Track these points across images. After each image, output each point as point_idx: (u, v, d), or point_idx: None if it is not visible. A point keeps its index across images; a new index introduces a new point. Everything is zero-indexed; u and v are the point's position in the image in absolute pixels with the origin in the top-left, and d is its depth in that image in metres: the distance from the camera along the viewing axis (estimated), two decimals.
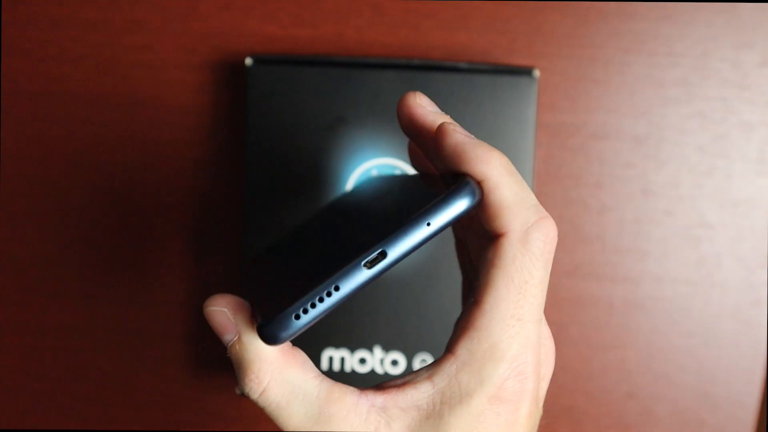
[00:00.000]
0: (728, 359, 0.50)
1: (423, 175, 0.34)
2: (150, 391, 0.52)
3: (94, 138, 0.50)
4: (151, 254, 0.51)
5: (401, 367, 0.47)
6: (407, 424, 0.28)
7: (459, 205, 0.27)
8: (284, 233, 0.40)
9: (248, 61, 0.46)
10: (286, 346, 0.29)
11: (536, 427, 0.29)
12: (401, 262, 0.27)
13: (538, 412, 0.29)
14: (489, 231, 0.28)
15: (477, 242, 0.31)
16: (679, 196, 0.49)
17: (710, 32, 0.48)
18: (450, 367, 0.28)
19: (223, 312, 0.29)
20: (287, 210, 0.47)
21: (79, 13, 0.49)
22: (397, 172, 0.47)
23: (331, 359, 0.47)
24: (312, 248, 0.33)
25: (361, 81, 0.46)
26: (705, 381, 0.50)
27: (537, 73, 0.46)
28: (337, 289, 0.26)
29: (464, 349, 0.28)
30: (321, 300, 0.26)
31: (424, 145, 0.31)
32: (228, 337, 0.29)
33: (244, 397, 0.29)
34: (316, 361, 0.47)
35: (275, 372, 0.28)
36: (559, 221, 0.50)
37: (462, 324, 0.28)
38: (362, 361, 0.47)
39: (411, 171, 0.47)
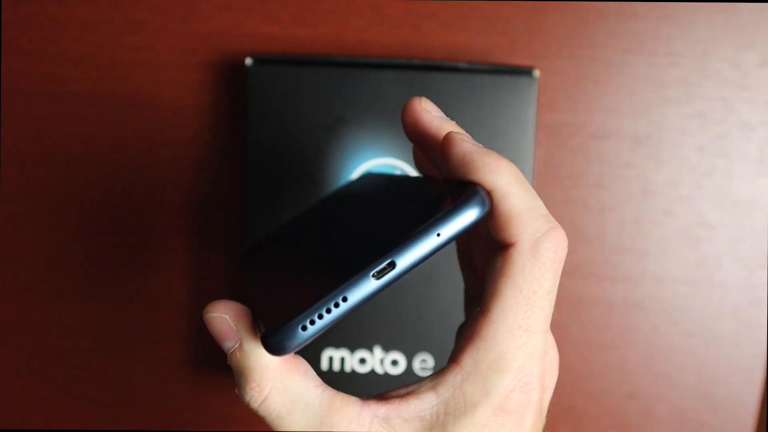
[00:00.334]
0: (728, 359, 0.50)
1: (427, 179, 0.34)
2: (150, 391, 0.52)
3: (94, 138, 0.50)
4: (151, 254, 0.51)
5: (401, 367, 0.47)
6: None
7: (469, 215, 0.26)
8: (278, 228, 0.39)
9: (248, 61, 0.46)
10: (287, 355, 0.29)
11: None
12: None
13: (542, 422, 0.29)
14: (498, 240, 0.28)
15: (484, 250, 0.31)
16: (679, 196, 0.49)
17: (710, 32, 0.48)
18: (455, 377, 0.28)
19: (224, 318, 0.29)
20: (287, 210, 0.47)
21: (79, 13, 0.49)
22: (398, 171, 0.47)
23: (331, 359, 0.47)
24: (313, 250, 0.32)
25: (361, 81, 0.46)
26: (705, 381, 0.50)
27: (537, 73, 0.46)
28: (345, 299, 0.25)
29: (470, 359, 0.27)
30: (328, 311, 0.25)
31: (428, 150, 0.31)
32: (228, 344, 0.28)
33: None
34: (316, 361, 0.47)
35: (277, 381, 0.28)
36: (559, 221, 0.49)
37: (467, 333, 0.28)
38: (362, 361, 0.47)
39: (410, 171, 0.47)
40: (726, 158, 0.49)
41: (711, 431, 0.50)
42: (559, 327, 0.50)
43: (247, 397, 0.28)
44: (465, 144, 0.28)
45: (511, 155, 0.46)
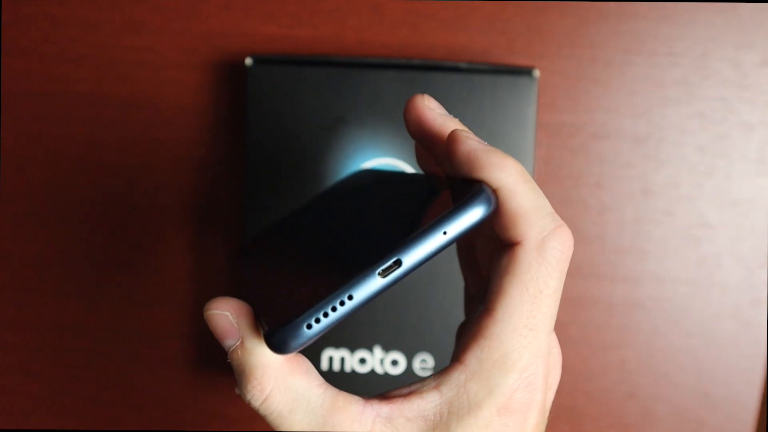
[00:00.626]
0: (728, 359, 0.50)
1: (426, 176, 0.34)
2: (150, 391, 0.52)
3: (94, 138, 0.50)
4: (151, 254, 0.51)
5: (401, 367, 0.47)
6: None
7: (475, 213, 0.26)
8: (276, 223, 0.39)
9: (248, 61, 0.46)
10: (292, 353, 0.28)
11: None
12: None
13: (544, 422, 0.29)
14: (504, 239, 0.28)
15: (488, 249, 0.31)
16: (679, 196, 0.49)
17: (710, 32, 0.48)
18: (459, 376, 0.27)
19: (225, 315, 0.28)
20: (287, 210, 0.47)
21: (79, 13, 0.49)
22: (402, 167, 0.47)
23: (331, 359, 0.47)
24: (315, 247, 0.32)
25: (361, 81, 0.46)
26: (705, 381, 0.50)
27: (537, 73, 0.46)
28: (350, 298, 0.25)
29: (474, 357, 0.27)
30: (334, 309, 0.25)
31: (431, 147, 0.30)
32: (230, 342, 0.28)
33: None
34: (316, 362, 0.47)
35: (278, 379, 0.27)
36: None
37: (471, 332, 0.28)
38: (362, 361, 0.47)
39: (409, 170, 0.47)
40: (726, 158, 0.49)
41: (711, 431, 0.50)
42: (559, 327, 0.50)
43: (249, 396, 0.28)
44: (470, 142, 0.28)
45: (511, 155, 0.46)
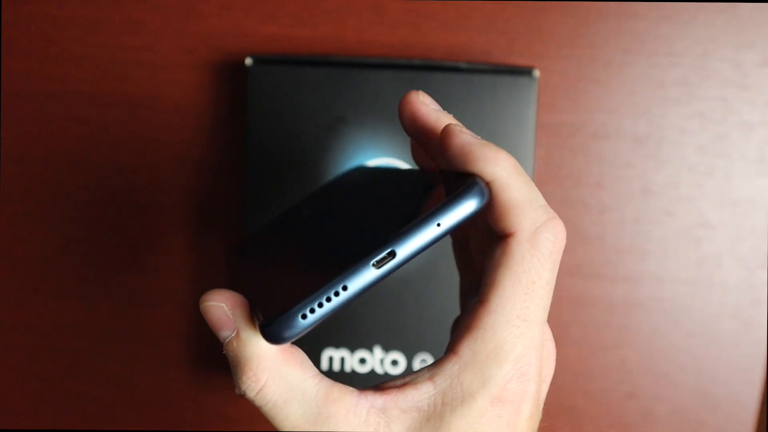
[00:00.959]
0: (728, 359, 0.50)
1: (421, 171, 0.34)
2: (150, 391, 0.52)
3: (94, 138, 0.50)
4: (151, 254, 0.51)
5: (401, 367, 0.47)
6: (407, 426, 0.27)
7: (468, 206, 0.26)
8: (272, 219, 0.39)
9: (248, 61, 0.46)
10: (285, 344, 0.29)
11: (536, 430, 0.29)
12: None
13: (539, 414, 0.29)
14: (497, 231, 0.28)
15: (481, 241, 0.31)
16: (679, 196, 0.49)
17: (710, 32, 0.48)
18: (452, 367, 0.28)
19: (221, 307, 0.28)
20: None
21: (79, 13, 0.49)
22: (400, 166, 0.47)
23: (331, 359, 0.47)
24: (310, 240, 0.32)
25: (361, 81, 0.46)
26: (705, 381, 0.50)
27: (537, 73, 0.46)
28: (345, 288, 0.25)
29: (467, 348, 0.27)
30: (328, 299, 0.25)
31: (426, 143, 0.31)
32: (225, 333, 0.28)
33: (244, 397, 0.29)
34: (316, 361, 0.47)
35: (273, 370, 0.28)
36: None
37: (465, 323, 0.28)
38: (362, 361, 0.47)
39: (405, 167, 0.47)
40: (726, 158, 0.49)
41: (711, 431, 0.50)
42: (559, 327, 0.50)
43: (244, 387, 0.28)
44: (463, 135, 0.28)
45: (512, 155, 0.46)
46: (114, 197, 0.50)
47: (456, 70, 0.46)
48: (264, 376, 0.28)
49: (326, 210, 0.36)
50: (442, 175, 0.30)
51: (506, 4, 0.48)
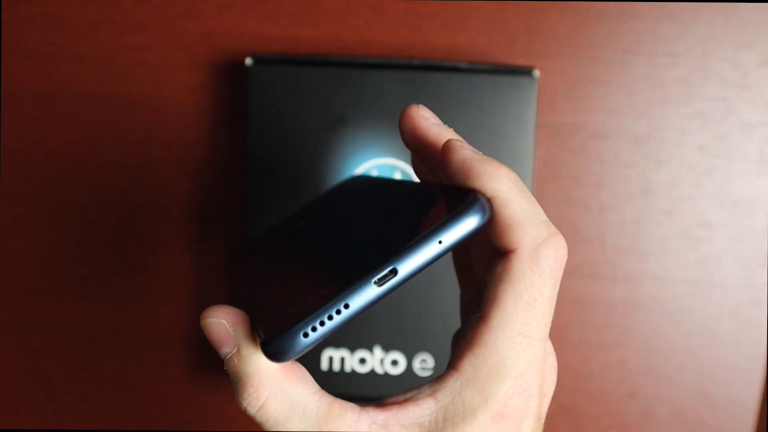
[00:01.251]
0: (728, 359, 0.50)
1: (424, 184, 0.34)
2: (150, 391, 0.52)
3: (94, 138, 0.50)
4: (151, 254, 0.51)
5: (401, 367, 0.47)
6: None
7: (470, 222, 0.26)
8: (270, 229, 0.39)
9: (248, 61, 0.46)
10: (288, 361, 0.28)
11: None
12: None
13: (540, 429, 0.29)
14: (498, 247, 0.28)
15: (482, 256, 0.31)
16: (679, 196, 0.49)
17: (710, 32, 0.48)
18: (454, 383, 0.28)
19: (222, 324, 0.29)
20: (287, 210, 0.47)
21: (79, 13, 0.49)
22: (397, 174, 0.47)
23: (331, 359, 0.47)
24: (310, 254, 0.32)
25: (361, 81, 0.46)
26: (705, 381, 0.50)
27: (537, 73, 0.46)
28: (346, 306, 0.25)
29: (469, 365, 0.27)
30: (330, 318, 0.25)
31: (426, 157, 0.31)
32: (226, 349, 0.28)
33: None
34: (316, 361, 0.47)
35: (274, 387, 0.28)
36: (559, 221, 0.50)
37: (466, 340, 0.28)
38: (362, 361, 0.47)
39: (408, 170, 0.47)
40: (726, 158, 0.49)
41: (711, 431, 0.50)
42: (559, 327, 0.50)
43: (245, 403, 0.28)
44: (464, 151, 0.28)
45: (511, 155, 0.46)
46: (114, 197, 0.50)
47: (456, 70, 0.46)
48: (265, 393, 0.28)
49: (325, 220, 0.36)
50: (442, 189, 0.30)
51: (506, 4, 0.48)
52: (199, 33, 0.49)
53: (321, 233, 0.34)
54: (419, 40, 0.49)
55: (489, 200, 0.27)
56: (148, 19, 0.49)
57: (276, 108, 0.46)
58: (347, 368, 0.47)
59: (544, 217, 0.28)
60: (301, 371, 0.29)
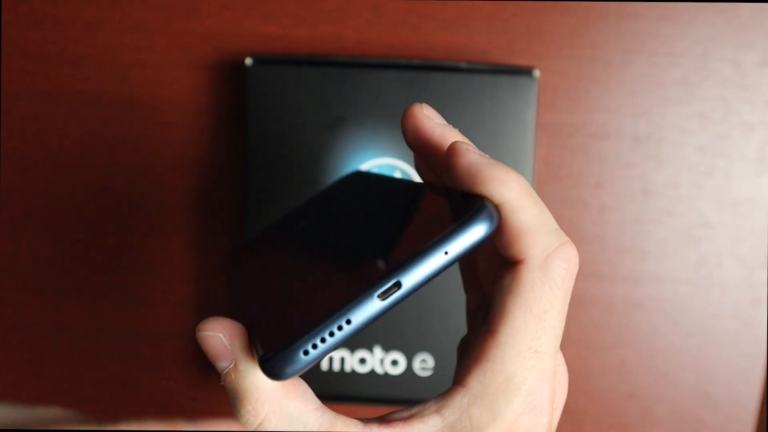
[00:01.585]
0: (728, 359, 0.50)
1: (428, 185, 0.33)
2: (150, 391, 0.52)
3: (94, 138, 0.50)
4: (151, 254, 0.51)
5: (401, 367, 0.47)
6: None
7: (477, 232, 0.25)
8: (267, 230, 0.38)
9: (248, 61, 0.46)
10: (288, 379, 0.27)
11: None
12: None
13: None
14: (506, 256, 0.27)
15: (490, 265, 0.30)
16: (679, 196, 0.49)
17: (710, 32, 0.48)
18: (461, 399, 0.27)
19: (218, 337, 0.27)
20: (287, 210, 0.47)
21: (79, 13, 0.49)
22: (397, 175, 0.47)
23: (331, 359, 0.47)
24: (310, 258, 0.31)
25: (361, 81, 0.46)
26: (705, 381, 0.50)
27: (537, 73, 0.46)
28: (348, 322, 0.24)
29: (476, 381, 0.26)
30: (331, 334, 0.24)
31: (430, 158, 0.30)
32: (223, 364, 0.27)
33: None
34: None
35: (274, 403, 0.26)
36: (559, 221, 0.50)
37: (474, 353, 0.27)
38: (362, 361, 0.47)
39: (409, 171, 0.47)
40: (726, 158, 0.49)
41: (711, 431, 0.50)
42: None
43: (243, 420, 0.27)
44: (471, 155, 0.27)
45: (511, 155, 0.46)
46: (114, 197, 0.50)
47: (456, 70, 0.46)
48: (264, 410, 0.27)
49: (325, 221, 0.35)
50: (447, 192, 0.29)
51: (506, 4, 0.48)
52: (199, 33, 0.49)
53: (321, 236, 0.33)
54: (419, 40, 0.49)
55: (497, 207, 0.26)
56: (148, 19, 0.49)
57: (276, 108, 0.46)
58: (347, 368, 0.47)
59: (555, 224, 0.27)
60: (302, 386, 0.27)
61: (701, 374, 0.50)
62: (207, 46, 0.49)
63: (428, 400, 0.27)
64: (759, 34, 0.48)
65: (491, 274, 0.29)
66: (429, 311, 0.47)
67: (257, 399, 0.26)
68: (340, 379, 0.47)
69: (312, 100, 0.46)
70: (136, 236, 0.50)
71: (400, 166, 0.47)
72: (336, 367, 0.47)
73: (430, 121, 0.29)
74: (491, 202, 0.26)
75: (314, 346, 0.24)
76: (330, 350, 0.24)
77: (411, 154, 0.46)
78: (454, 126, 0.30)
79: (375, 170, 0.47)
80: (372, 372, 0.47)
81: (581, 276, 0.50)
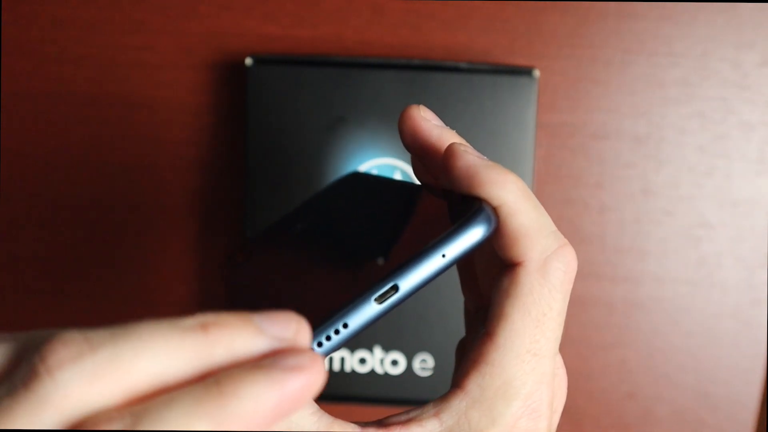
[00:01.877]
0: (728, 359, 0.50)
1: (425, 186, 0.32)
2: None
3: (94, 138, 0.50)
4: (151, 254, 0.51)
5: (401, 367, 0.47)
6: None
7: (474, 234, 0.25)
8: (266, 231, 0.38)
9: (248, 61, 0.46)
10: None
11: None
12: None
13: None
14: (504, 259, 0.27)
15: (488, 267, 0.30)
16: (679, 196, 0.49)
17: (710, 32, 0.48)
18: (459, 403, 0.26)
19: None
20: (287, 210, 0.47)
21: (79, 13, 0.49)
22: (397, 175, 0.47)
23: (331, 359, 0.47)
24: (307, 262, 0.31)
25: (361, 81, 0.46)
26: (705, 381, 0.50)
27: (537, 73, 0.46)
28: (345, 326, 0.24)
29: (475, 384, 0.26)
30: (328, 338, 0.24)
31: (427, 160, 0.29)
32: None
33: None
34: None
35: None
36: (559, 221, 0.50)
37: (472, 357, 0.27)
38: (362, 361, 0.47)
39: (409, 171, 0.47)
40: (726, 158, 0.49)
41: (711, 431, 0.50)
42: None
43: None
44: (469, 156, 0.27)
45: (511, 155, 0.46)
46: (114, 197, 0.50)
47: (456, 70, 0.46)
48: None
49: (323, 224, 0.35)
50: (444, 193, 0.29)
51: (506, 4, 0.48)
52: (199, 33, 0.49)
53: (319, 237, 0.33)
54: (419, 40, 0.49)
55: (495, 210, 0.26)
56: (148, 19, 0.49)
57: (276, 108, 0.46)
58: (347, 368, 0.47)
59: (553, 227, 0.27)
60: None
61: (701, 374, 0.50)
62: (207, 46, 0.49)
63: (426, 404, 0.27)
64: (759, 34, 0.48)
65: (489, 276, 0.29)
66: (429, 311, 0.47)
67: None
68: (340, 379, 0.47)
69: (312, 100, 0.46)
70: (135, 236, 0.50)
71: (399, 166, 0.47)
72: (336, 367, 0.47)
73: (428, 122, 0.29)
74: (489, 204, 0.26)
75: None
76: (327, 353, 0.24)
77: (411, 156, 0.46)
78: (455, 125, 0.30)
79: (373, 171, 0.47)
80: (372, 372, 0.47)
81: (581, 276, 0.50)
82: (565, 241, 0.27)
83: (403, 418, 0.27)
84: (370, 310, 0.24)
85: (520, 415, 0.26)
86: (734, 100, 0.48)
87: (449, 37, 0.49)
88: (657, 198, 0.49)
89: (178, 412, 0.18)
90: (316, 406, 0.27)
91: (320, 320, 0.24)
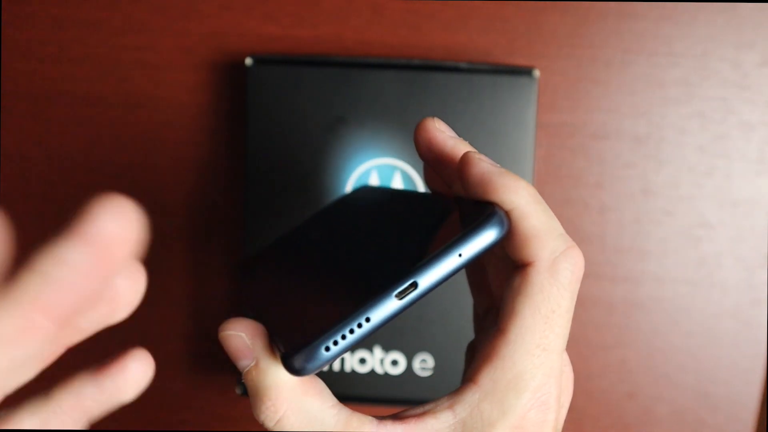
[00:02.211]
0: (728, 359, 0.50)
1: (436, 196, 0.34)
2: (149, 391, 0.52)
3: (94, 138, 0.50)
4: (151, 254, 0.51)
5: (401, 367, 0.47)
6: None
7: (489, 235, 0.26)
8: (278, 240, 0.39)
9: (248, 61, 0.46)
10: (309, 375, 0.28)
11: None
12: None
13: None
14: (516, 260, 0.28)
15: (499, 269, 0.31)
16: (679, 196, 0.49)
17: (710, 32, 0.48)
18: (472, 396, 0.28)
19: (240, 336, 0.29)
20: (288, 210, 0.47)
21: (79, 13, 0.49)
22: (397, 174, 0.47)
23: None
24: (325, 266, 0.32)
25: (361, 81, 0.46)
26: (705, 381, 0.50)
27: (537, 73, 0.46)
28: (368, 320, 0.25)
29: (487, 378, 0.28)
30: (351, 331, 0.25)
31: (441, 169, 0.31)
32: (244, 362, 0.28)
33: (244, 397, 0.29)
34: None
35: (292, 400, 0.28)
36: (559, 221, 0.50)
37: (484, 352, 0.28)
38: (362, 361, 0.47)
39: (408, 171, 0.47)
40: (726, 158, 0.49)
41: (711, 431, 0.50)
42: None
43: (262, 417, 0.28)
44: (483, 164, 0.28)
45: (511, 155, 0.46)
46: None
47: (456, 70, 0.46)
48: (283, 407, 0.28)
49: (338, 232, 0.36)
50: (457, 201, 0.30)
51: (506, 4, 0.48)
52: (199, 33, 0.49)
53: (335, 245, 0.34)
54: (419, 40, 0.49)
55: (507, 213, 0.28)
56: (148, 19, 0.49)
57: (276, 108, 0.46)
58: (347, 368, 0.47)
59: (562, 229, 0.28)
60: (319, 385, 0.29)
61: (701, 374, 0.50)
62: (207, 46, 0.49)
63: (441, 397, 0.29)
64: (759, 34, 0.48)
65: (500, 278, 0.31)
66: (429, 311, 0.47)
67: (277, 396, 0.28)
68: (340, 379, 0.47)
69: (312, 100, 0.46)
70: None
71: (399, 166, 0.47)
72: (336, 367, 0.47)
73: (442, 134, 0.31)
74: (502, 208, 0.28)
75: (335, 343, 0.25)
76: (350, 347, 0.25)
77: (411, 154, 0.46)
78: (455, 125, 0.32)
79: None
80: (372, 372, 0.47)
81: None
82: (573, 243, 0.28)
83: (419, 411, 0.28)
84: (391, 305, 0.26)
85: (530, 406, 0.28)
86: (734, 100, 0.48)
87: (449, 37, 0.49)
88: (657, 198, 0.49)
89: None
90: (335, 400, 0.29)
91: (343, 315, 0.25)
